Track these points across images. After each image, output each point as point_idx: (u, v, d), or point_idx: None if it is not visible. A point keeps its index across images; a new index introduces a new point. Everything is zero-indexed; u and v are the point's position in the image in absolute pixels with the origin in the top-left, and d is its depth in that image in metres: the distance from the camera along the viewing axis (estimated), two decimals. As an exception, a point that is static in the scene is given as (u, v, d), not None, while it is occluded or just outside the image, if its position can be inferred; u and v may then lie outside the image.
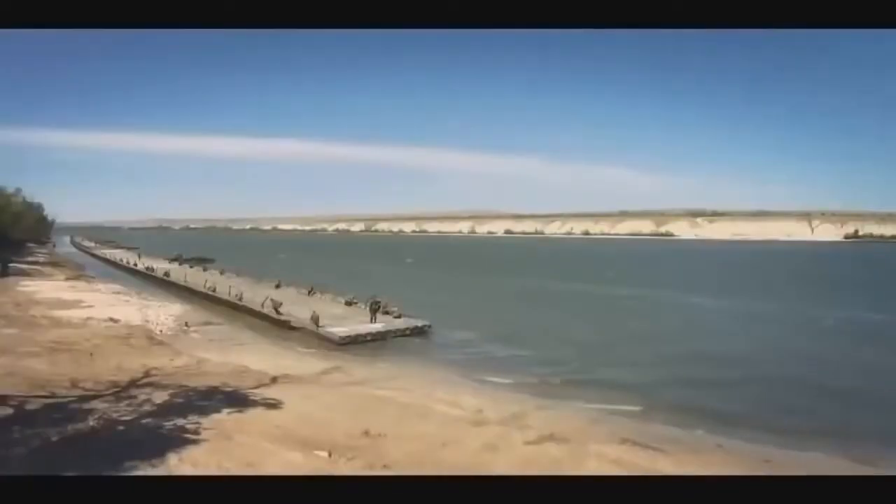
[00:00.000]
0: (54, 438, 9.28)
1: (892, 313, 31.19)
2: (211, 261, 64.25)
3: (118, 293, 35.92)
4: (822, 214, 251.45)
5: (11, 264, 45.55)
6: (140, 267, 54.74)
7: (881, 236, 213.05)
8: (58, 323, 22.81)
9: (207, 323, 25.49)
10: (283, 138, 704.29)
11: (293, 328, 24.33)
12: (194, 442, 9.54)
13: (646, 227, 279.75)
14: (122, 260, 64.80)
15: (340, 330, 22.71)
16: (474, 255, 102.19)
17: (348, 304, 29.42)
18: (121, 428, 10.13)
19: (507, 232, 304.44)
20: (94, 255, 79.82)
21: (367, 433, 10.97)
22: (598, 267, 67.81)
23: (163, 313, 27.48)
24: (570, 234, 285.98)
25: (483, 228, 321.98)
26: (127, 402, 11.91)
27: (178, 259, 63.67)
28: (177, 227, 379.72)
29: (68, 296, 32.15)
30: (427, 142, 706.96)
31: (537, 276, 54.45)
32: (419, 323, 24.06)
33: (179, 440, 9.63)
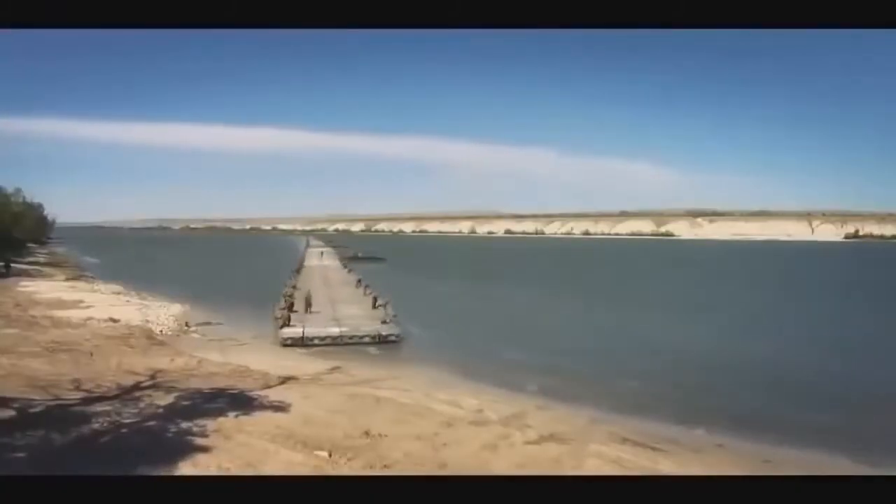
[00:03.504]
0: (53, 439, 9.28)
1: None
2: (382, 260, 73.07)
3: (118, 293, 35.96)
4: (823, 214, 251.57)
5: (12, 264, 45.66)
6: (320, 265, 56.34)
7: (881, 236, 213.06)
8: (58, 323, 22.81)
9: (207, 323, 25.48)
10: (282, 136, 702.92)
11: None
12: (194, 442, 9.54)
13: (646, 226, 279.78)
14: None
15: (289, 331, 21.96)
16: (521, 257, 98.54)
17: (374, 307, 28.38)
18: (121, 428, 10.13)
19: (508, 232, 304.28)
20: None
21: (367, 433, 10.96)
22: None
23: (163, 313, 27.47)
24: (569, 234, 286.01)
25: (483, 228, 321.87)
26: (126, 402, 11.91)
27: (354, 257, 71.44)
28: (177, 227, 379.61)
29: (68, 296, 32.16)
30: (427, 140, 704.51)
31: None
32: (384, 332, 22.16)
33: (179, 440, 9.64)
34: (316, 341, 21.34)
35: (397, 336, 21.79)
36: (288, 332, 21.84)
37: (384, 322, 23.31)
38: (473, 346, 21.65)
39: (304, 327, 22.45)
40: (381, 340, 21.50)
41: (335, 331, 22.07)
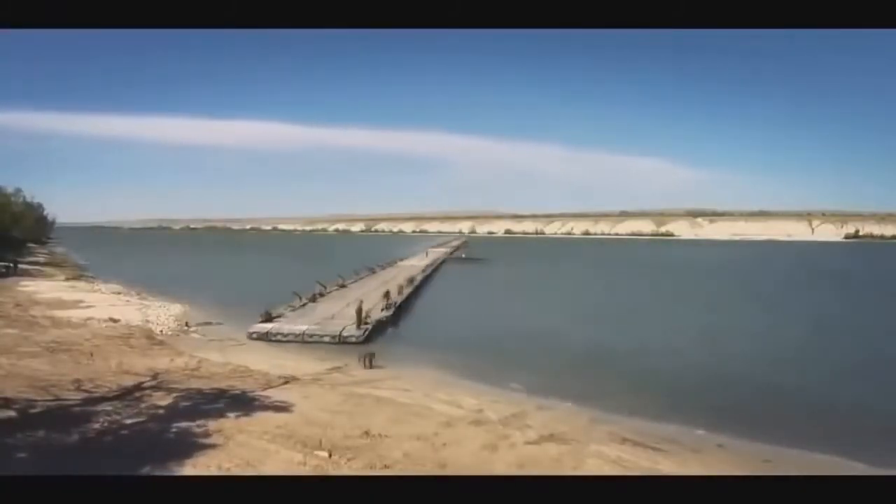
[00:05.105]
0: (54, 439, 9.28)
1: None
2: (481, 260, 76.32)
3: (118, 293, 35.97)
4: (823, 214, 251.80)
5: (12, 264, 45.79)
6: (409, 265, 58.11)
7: (881, 236, 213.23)
8: (58, 323, 22.81)
9: (207, 323, 25.49)
10: (283, 136, 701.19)
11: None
12: (194, 442, 9.55)
13: (646, 227, 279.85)
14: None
15: (257, 326, 22.68)
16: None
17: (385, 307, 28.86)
18: (121, 429, 10.14)
19: (508, 232, 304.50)
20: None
21: (367, 433, 10.97)
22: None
23: (163, 313, 27.49)
24: (569, 234, 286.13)
25: (483, 228, 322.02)
26: (126, 402, 11.92)
27: (457, 259, 78.09)
28: (177, 227, 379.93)
29: (68, 296, 32.17)
30: (428, 139, 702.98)
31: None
32: (346, 333, 22.06)
33: (179, 441, 9.64)
34: (279, 337, 21.89)
35: (357, 337, 21.81)
36: (256, 327, 22.51)
37: (365, 323, 23.36)
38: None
39: (272, 324, 23.06)
40: (341, 341, 21.61)
41: (299, 329, 22.41)
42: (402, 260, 64.86)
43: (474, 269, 65.46)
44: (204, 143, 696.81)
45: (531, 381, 16.51)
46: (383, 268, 52.66)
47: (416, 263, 59.74)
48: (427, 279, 48.23)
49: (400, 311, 28.81)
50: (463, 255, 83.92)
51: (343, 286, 36.84)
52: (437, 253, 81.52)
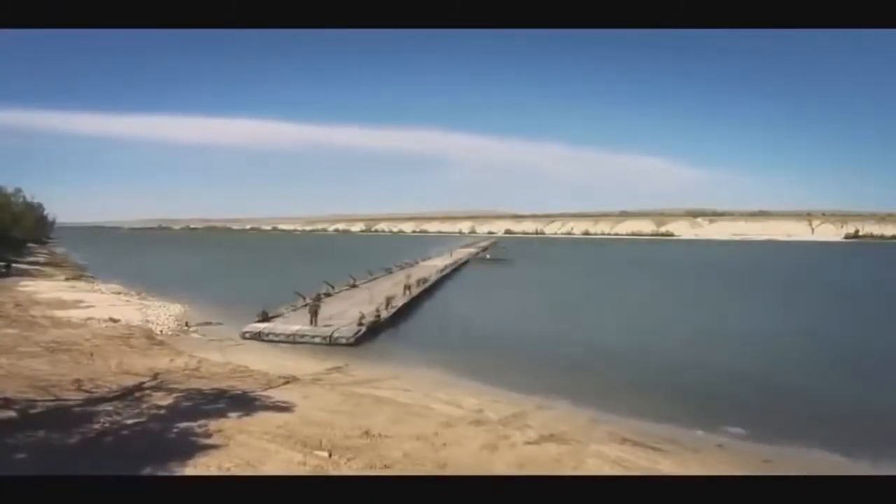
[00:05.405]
0: (54, 439, 9.28)
1: None
2: (505, 261, 74.76)
3: (118, 293, 35.97)
4: (823, 214, 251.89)
5: (12, 264, 45.73)
6: (427, 265, 57.60)
7: (881, 236, 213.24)
8: (58, 323, 22.82)
9: (207, 323, 25.49)
10: (283, 135, 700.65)
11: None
12: (194, 442, 9.55)
13: (646, 227, 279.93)
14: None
15: (250, 326, 22.94)
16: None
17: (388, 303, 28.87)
18: (121, 429, 10.14)
19: (508, 232, 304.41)
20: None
21: (367, 433, 10.97)
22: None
23: (163, 313, 27.48)
24: (570, 234, 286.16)
25: (483, 228, 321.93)
26: (126, 402, 11.92)
27: (481, 260, 77.67)
28: (177, 227, 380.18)
29: (68, 296, 32.17)
30: (428, 139, 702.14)
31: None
32: (336, 334, 21.85)
33: (180, 441, 9.64)
34: (271, 337, 21.98)
35: (347, 339, 21.73)
36: (250, 326, 22.74)
37: (360, 324, 23.30)
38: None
39: (265, 324, 23.20)
40: (331, 342, 21.55)
41: (290, 329, 22.49)
42: (424, 260, 64.49)
43: (494, 270, 64.97)
44: (204, 143, 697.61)
45: (531, 381, 16.53)
46: (401, 268, 51.91)
47: (438, 263, 58.83)
48: (444, 279, 47.91)
49: (402, 311, 28.79)
50: (487, 256, 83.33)
51: (354, 286, 36.72)
52: (462, 253, 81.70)
